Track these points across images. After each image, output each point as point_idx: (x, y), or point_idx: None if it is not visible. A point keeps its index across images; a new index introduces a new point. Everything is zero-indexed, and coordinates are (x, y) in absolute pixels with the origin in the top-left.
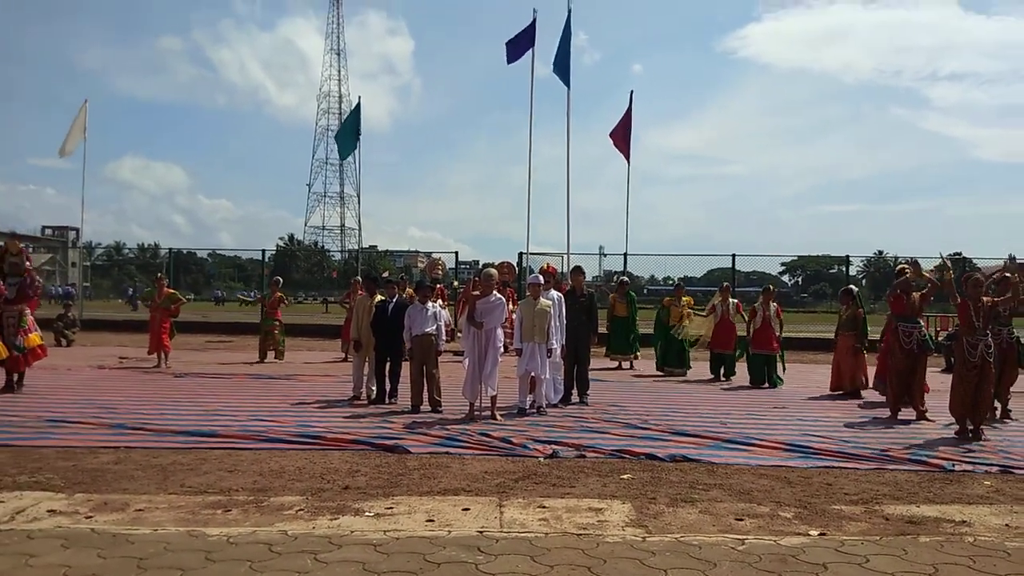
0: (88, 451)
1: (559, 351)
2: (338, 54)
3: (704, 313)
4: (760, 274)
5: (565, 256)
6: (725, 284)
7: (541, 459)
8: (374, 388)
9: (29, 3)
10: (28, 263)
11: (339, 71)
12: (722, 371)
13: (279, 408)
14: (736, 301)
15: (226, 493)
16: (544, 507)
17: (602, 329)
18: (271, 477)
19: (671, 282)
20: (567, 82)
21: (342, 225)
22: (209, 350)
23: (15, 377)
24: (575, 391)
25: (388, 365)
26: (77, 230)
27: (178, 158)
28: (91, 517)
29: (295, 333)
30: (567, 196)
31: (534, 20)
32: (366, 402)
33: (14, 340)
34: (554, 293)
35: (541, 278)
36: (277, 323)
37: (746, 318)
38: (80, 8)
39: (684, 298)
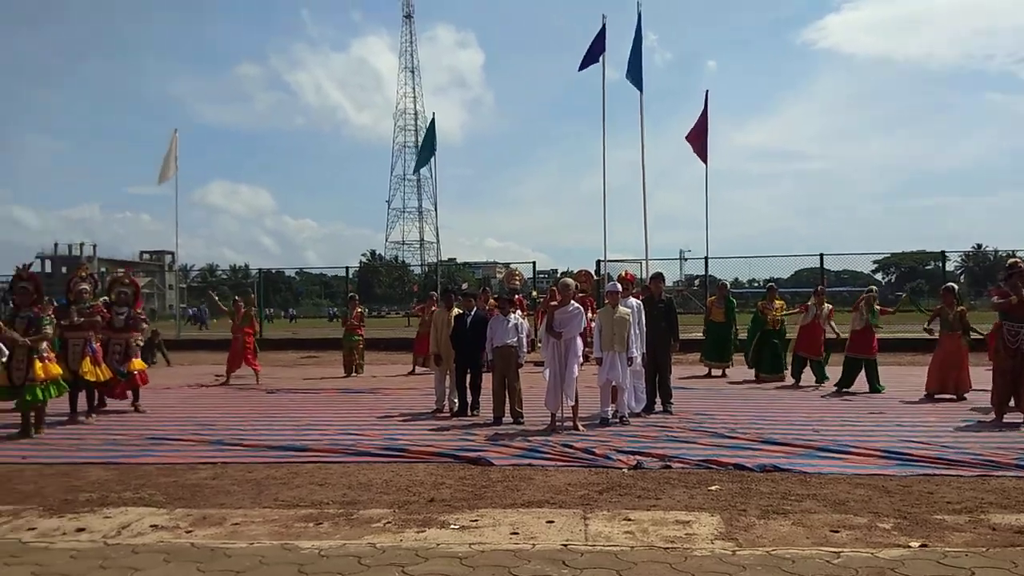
0: (188, 467)
1: (640, 359)
2: (412, 72)
3: (796, 310)
4: (851, 273)
5: (644, 262)
6: (820, 287)
7: (625, 470)
8: (456, 401)
9: (119, 42)
10: (139, 298)
11: (413, 88)
12: (800, 375)
13: (366, 422)
14: (830, 307)
15: (317, 506)
16: (630, 520)
17: (698, 334)
18: (359, 490)
19: (756, 284)
20: (640, 86)
21: (421, 239)
22: (298, 366)
23: (101, 401)
24: (658, 400)
25: (469, 377)
26: (172, 254)
27: (263, 181)
28: (191, 532)
29: (379, 347)
30: (643, 201)
31: (603, 26)
32: (449, 415)
33: (119, 367)
34: (633, 301)
35: (619, 286)
36: (359, 338)
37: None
38: (165, 43)
39: (776, 301)
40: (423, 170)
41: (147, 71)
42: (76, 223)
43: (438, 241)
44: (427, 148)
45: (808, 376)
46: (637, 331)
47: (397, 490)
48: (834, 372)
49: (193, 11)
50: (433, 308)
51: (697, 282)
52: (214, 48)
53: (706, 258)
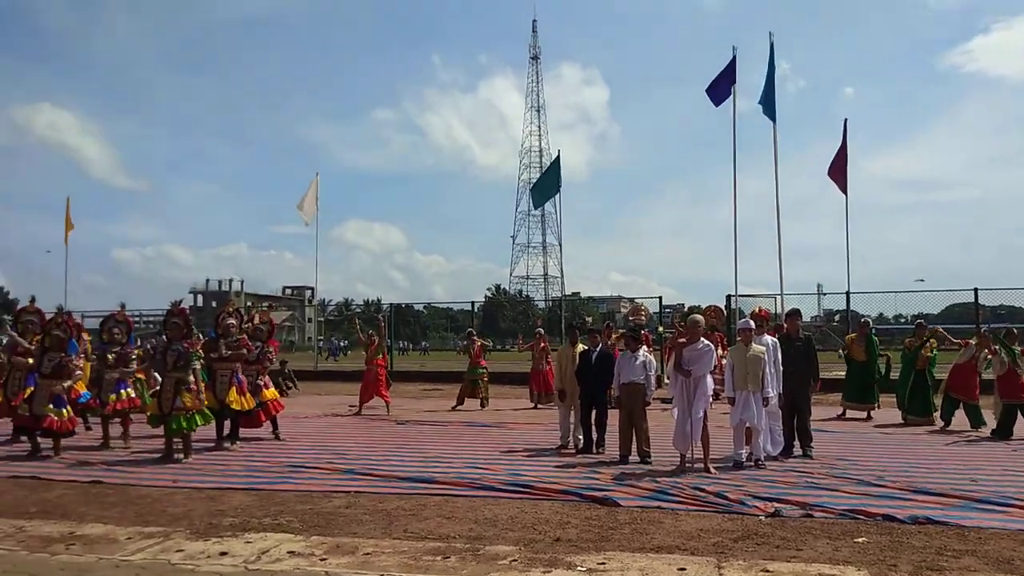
0: (323, 495)
1: (776, 399)
2: (538, 111)
3: (956, 347)
4: (1009, 308)
5: (778, 297)
6: (985, 330)
7: (762, 517)
8: (581, 437)
9: (267, 94)
10: (273, 335)
11: (539, 127)
12: (950, 418)
13: (491, 456)
14: (992, 349)
15: (445, 540)
16: (768, 571)
17: (839, 373)
18: (485, 525)
19: (903, 321)
20: (772, 116)
21: (545, 274)
22: (425, 398)
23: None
24: (796, 443)
25: (594, 414)
26: (312, 289)
27: (395, 219)
28: (325, 559)
29: (503, 381)
30: (778, 233)
31: (734, 57)
32: (574, 451)
33: (256, 396)
34: (768, 338)
35: (752, 323)
36: (483, 371)
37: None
38: (309, 93)
39: (928, 338)
40: (547, 205)
41: (292, 119)
42: (225, 260)
43: (562, 276)
44: (551, 184)
45: (960, 420)
46: (772, 370)
47: (523, 527)
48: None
49: (334, 62)
50: (542, 344)
51: (837, 317)
52: (353, 96)
53: (847, 293)
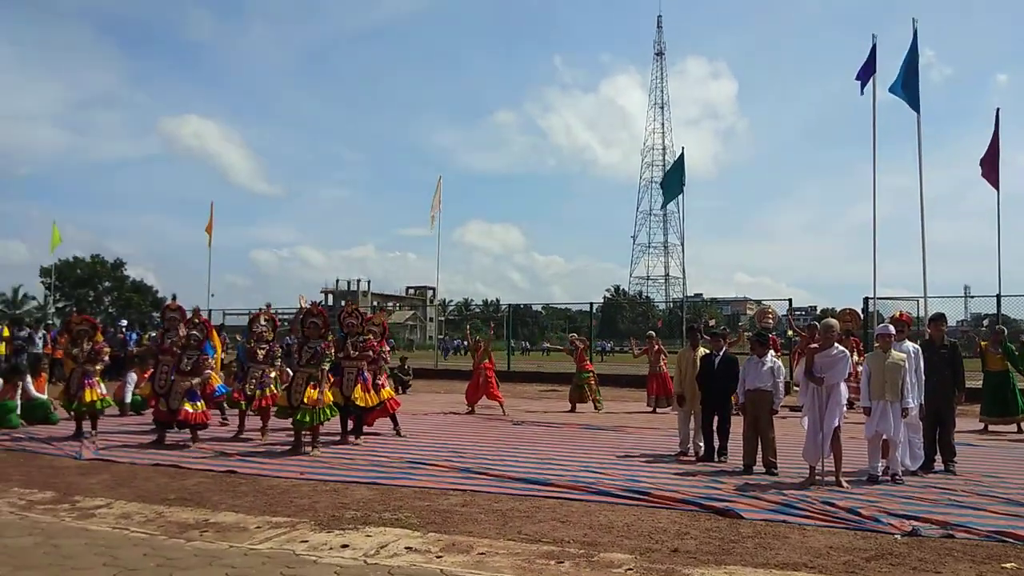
0: (440, 492)
1: (916, 411)
2: (661, 108)
3: None
4: None
5: (920, 300)
6: None
7: (898, 536)
8: (702, 444)
9: (392, 100)
10: (384, 336)
11: (663, 124)
12: None
13: (607, 460)
14: None
15: (558, 544)
16: None
17: (976, 384)
18: (600, 531)
19: None
20: (916, 107)
21: (666, 274)
22: (542, 399)
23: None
24: (938, 458)
25: (716, 421)
26: (434, 289)
27: (515, 220)
28: (441, 557)
29: (620, 383)
30: (921, 231)
31: (874, 46)
32: (694, 459)
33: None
34: (909, 345)
35: (892, 328)
36: (589, 374)
37: None
38: (433, 99)
39: None
40: (670, 204)
41: (417, 124)
42: (354, 262)
43: (684, 276)
44: (675, 182)
45: None
46: (914, 379)
47: (639, 535)
48: None
49: (457, 67)
50: (656, 347)
51: (986, 322)
52: (475, 99)
53: (998, 296)
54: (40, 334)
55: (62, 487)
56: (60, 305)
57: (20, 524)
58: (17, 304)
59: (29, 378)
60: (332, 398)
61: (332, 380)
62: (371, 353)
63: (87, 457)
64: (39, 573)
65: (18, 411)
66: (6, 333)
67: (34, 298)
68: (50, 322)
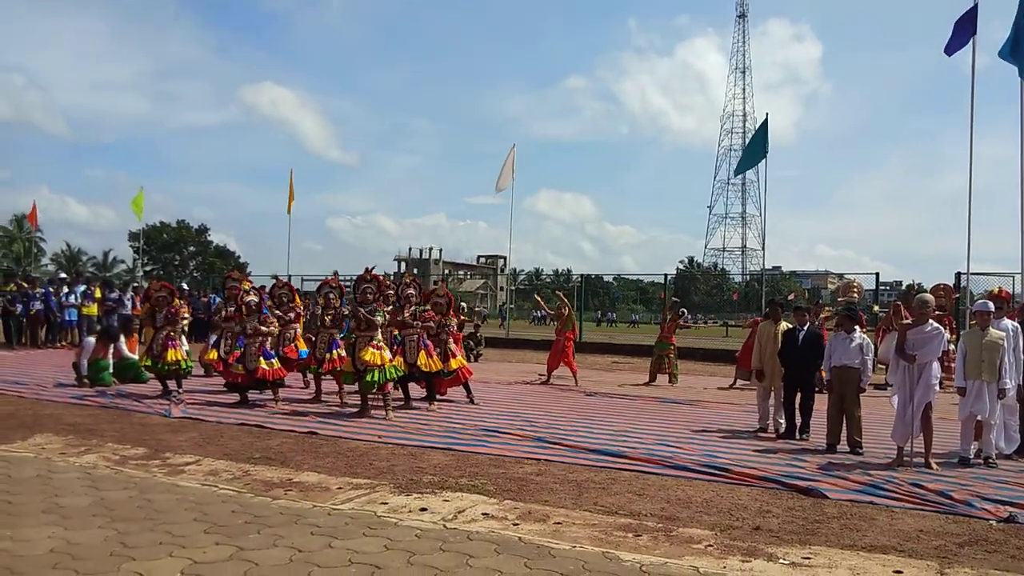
0: (515, 461)
1: (1014, 392)
2: (743, 72)
3: None
4: None
5: (1017, 276)
6: None
7: (992, 522)
8: (782, 421)
9: (465, 68)
10: (451, 307)
11: (743, 89)
12: None
13: (684, 434)
14: None
15: (635, 517)
16: None
17: None
18: (678, 506)
19: None
20: (1021, 71)
21: (743, 246)
22: (615, 371)
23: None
24: None
25: (799, 398)
26: (505, 258)
27: (586, 189)
28: (517, 524)
29: (696, 357)
30: (1021, 203)
31: (975, 4)
32: (773, 436)
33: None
34: (1008, 323)
35: (991, 304)
36: (671, 347)
37: None
38: (505, 67)
39: None
40: (749, 173)
41: (489, 92)
42: (426, 230)
43: (763, 248)
44: (757, 150)
45: None
46: (1012, 359)
47: (718, 512)
48: None
49: (529, 32)
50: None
51: None
52: (547, 65)
53: None
54: (129, 295)
55: (153, 444)
56: (148, 268)
57: (115, 478)
58: (107, 267)
59: (122, 338)
60: (397, 364)
61: (395, 349)
62: (432, 324)
63: (176, 415)
64: (134, 526)
65: (110, 370)
66: (98, 295)
67: (123, 261)
68: (138, 284)
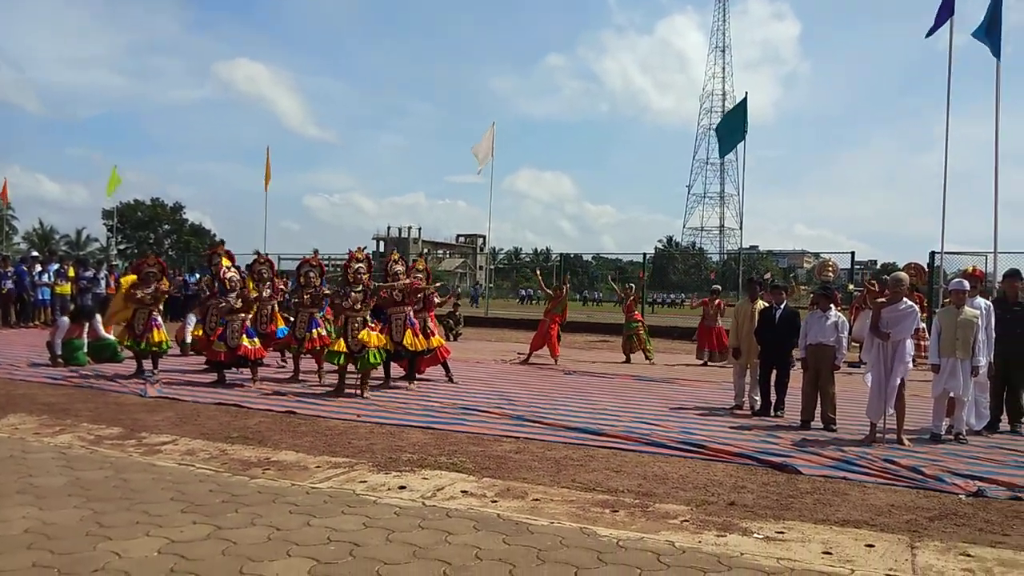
0: (493, 439)
1: (986, 369)
2: (722, 51)
3: None
4: None
5: (990, 256)
6: None
7: (962, 497)
8: (757, 399)
9: (447, 51)
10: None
11: (723, 68)
12: None
13: (660, 412)
14: None
15: (613, 493)
16: (969, 556)
17: None
18: (655, 482)
19: None
20: (997, 52)
21: (721, 225)
22: (592, 349)
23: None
24: (1004, 418)
25: (775, 375)
26: (484, 237)
27: (566, 167)
28: (496, 502)
29: (673, 335)
30: (995, 184)
31: None
32: (749, 413)
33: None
34: (981, 301)
35: (966, 283)
36: (638, 324)
37: None
38: (485, 46)
39: None
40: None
41: (470, 71)
42: (405, 208)
43: (741, 228)
44: (736, 129)
45: None
46: (984, 337)
47: (694, 488)
48: None
49: (510, 10)
50: (718, 301)
51: None
52: (528, 42)
53: None
54: (103, 274)
55: (129, 423)
56: (122, 247)
57: (91, 458)
58: (81, 245)
59: (97, 317)
60: (384, 343)
61: (381, 327)
62: (420, 289)
63: (152, 395)
64: (111, 505)
65: (85, 349)
66: (71, 273)
67: (97, 240)
68: (114, 263)
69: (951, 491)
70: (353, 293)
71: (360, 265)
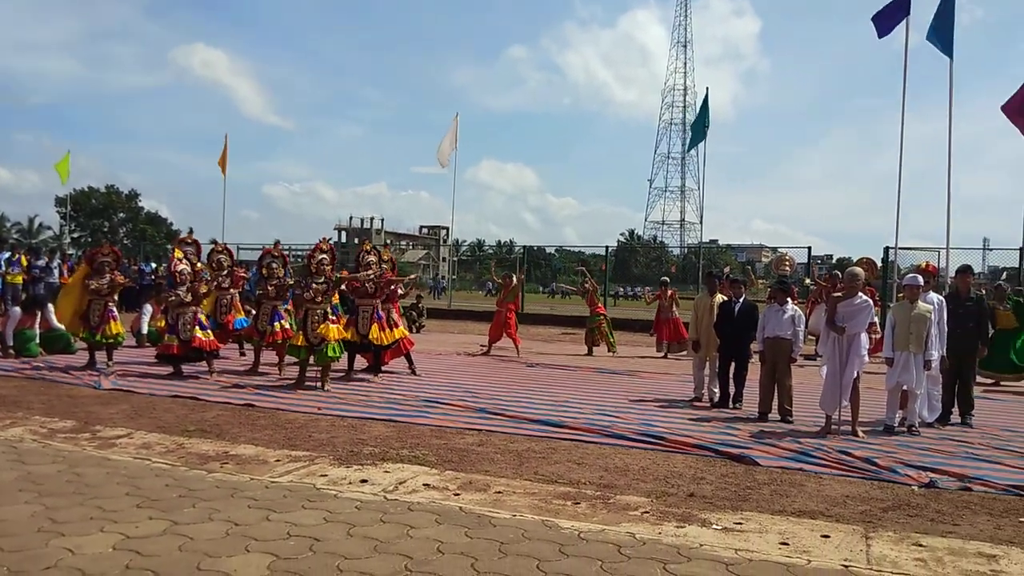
0: (456, 432)
1: (938, 362)
2: (684, 46)
3: None
4: None
5: (942, 251)
6: None
7: (915, 488)
8: (716, 391)
9: (411, 41)
10: (395, 271)
11: (685, 64)
12: None
13: (622, 404)
14: None
15: (575, 485)
16: (921, 545)
17: None
18: (616, 474)
19: None
20: (949, 52)
21: (682, 220)
22: (555, 342)
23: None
24: (955, 411)
25: (733, 368)
26: (447, 228)
27: (529, 160)
28: (458, 495)
29: (635, 328)
30: (948, 182)
31: None
32: (708, 405)
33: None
34: (934, 296)
35: (920, 278)
36: (600, 317)
37: None
38: (447, 36)
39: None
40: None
41: (432, 62)
42: (367, 199)
43: (701, 222)
44: (700, 126)
45: None
46: (936, 331)
47: (655, 479)
48: None
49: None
50: (671, 293)
51: (1004, 275)
52: (490, 34)
53: (1021, 248)
54: (56, 263)
55: (82, 416)
56: (76, 235)
57: (43, 452)
58: (33, 233)
59: (50, 307)
60: (349, 336)
61: (347, 319)
62: (392, 289)
63: (106, 387)
64: (63, 500)
65: (37, 340)
66: (23, 262)
67: (49, 228)
68: (69, 252)
69: (904, 482)
70: (315, 285)
71: (324, 256)
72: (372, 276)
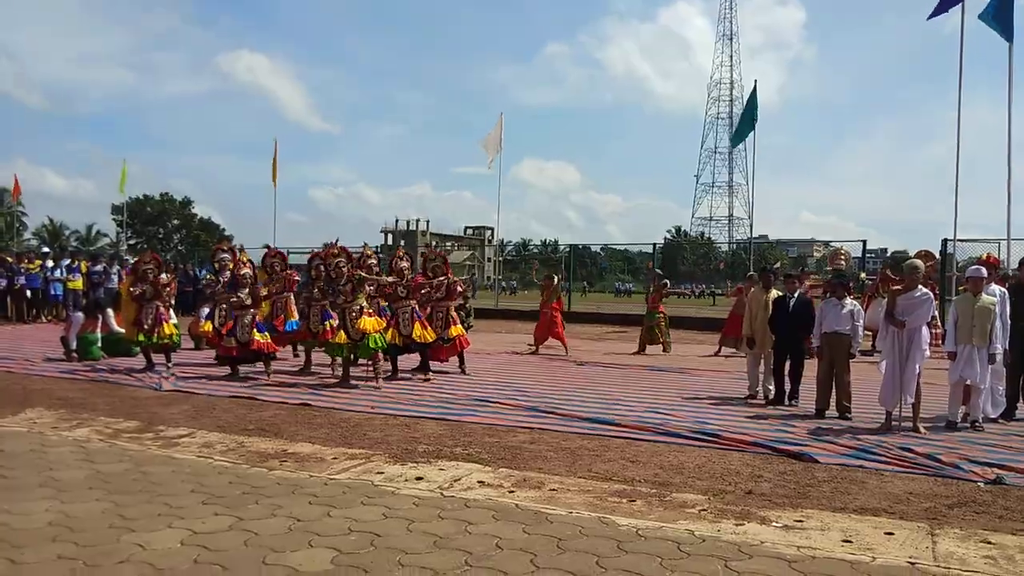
0: (507, 430)
1: (1002, 356)
2: (730, 39)
3: None
4: None
5: (1003, 243)
6: None
7: (981, 484)
8: (771, 388)
9: (449, 42)
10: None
11: (731, 57)
12: None
13: (674, 402)
14: None
15: (629, 483)
16: (990, 543)
17: None
18: (671, 472)
19: None
20: (1009, 36)
21: (730, 215)
22: (604, 340)
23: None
24: (1020, 405)
25: (789, 364)
26: (492, 229)
27: (571, 157)
28: (513, 492)
29: (684, 326)
30: (1008, 171)
31: None
32: (763, 402)
33: (441, 333)
34: (996, 288)
35: (984, 270)
36: (660, 316)
37: None
38: (487, 35)
39: None
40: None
41: (473, 61)
42: (411, 200)
43: (751, 217)
44: (747, 120)
45: None
46: (1000, 324)
47: (711, 477)
48: None
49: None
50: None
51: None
52: (529, 33)
53: None
54: (115, 269)
55: (145, 417)
56: (132, 242)
57: (110, 451)
58: (90, 241)
59: (110, 312)
60: (391, 337)
61: (388, 320)
62: (430, 290)
63: (167, 389)
64: (132, 498)
65: (99, 344)
66: (83, 269)
67: (106, 235)
68: (126, 258)
69: (969, 479)
70: (339, 287)
71: (339, 260)
72: (390, 281)
